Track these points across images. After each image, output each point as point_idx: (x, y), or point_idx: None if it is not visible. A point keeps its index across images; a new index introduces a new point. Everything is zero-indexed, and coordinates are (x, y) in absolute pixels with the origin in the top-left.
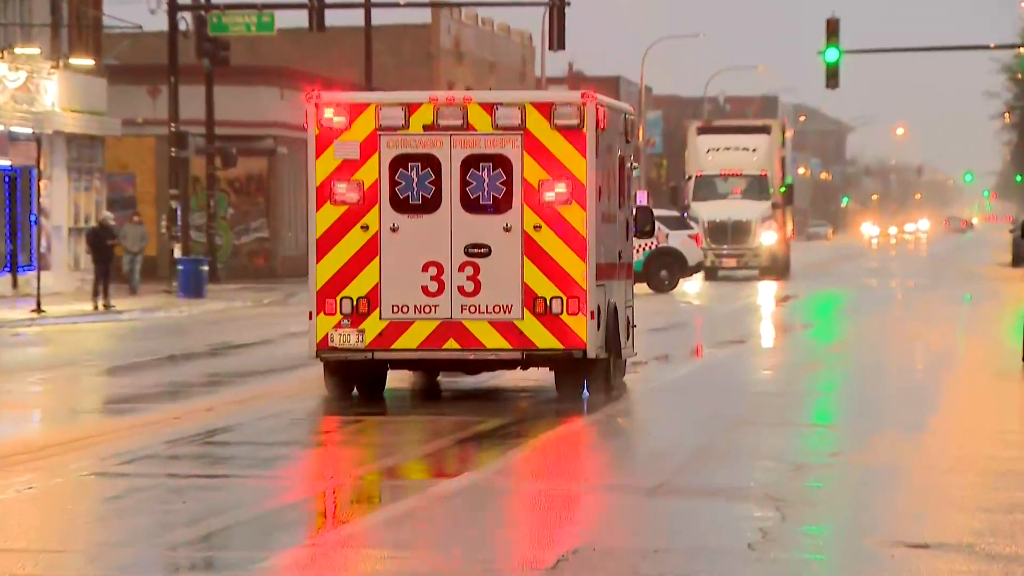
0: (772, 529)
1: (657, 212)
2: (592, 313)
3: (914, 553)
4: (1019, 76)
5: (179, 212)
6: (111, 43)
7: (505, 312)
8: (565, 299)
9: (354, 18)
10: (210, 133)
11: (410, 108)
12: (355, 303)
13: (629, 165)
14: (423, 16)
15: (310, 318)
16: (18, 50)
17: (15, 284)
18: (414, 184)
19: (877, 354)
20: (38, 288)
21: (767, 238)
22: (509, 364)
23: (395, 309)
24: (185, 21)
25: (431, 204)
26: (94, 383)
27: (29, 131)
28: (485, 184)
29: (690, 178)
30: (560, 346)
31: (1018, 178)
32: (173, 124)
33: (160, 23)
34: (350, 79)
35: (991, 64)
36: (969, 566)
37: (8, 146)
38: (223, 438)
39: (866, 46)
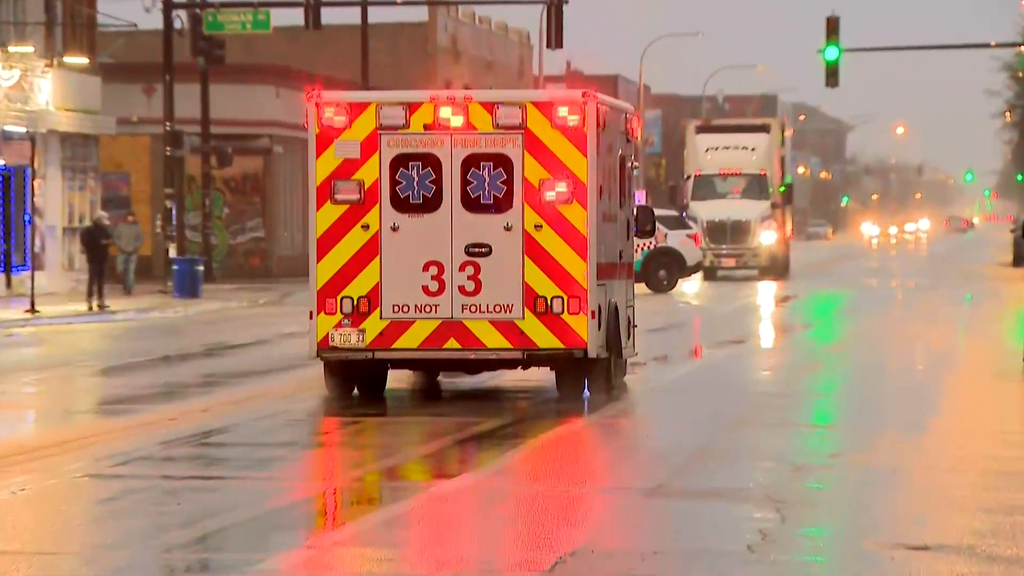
0: (772, 530)
1: (656, 212)
2: (593, 313)
3: (914, 555)
4: (1020, 74)
5: (174, 211)
6: (106, 41)
7: (506, 312)
8: (566, 298)
9: (350, 16)
10: (205, 132)
11: (411, 107)
12: (356, 303)
13: (630, 164)
14: (420, 14)
15: (310, 318)
16: (12, 48)
17: (9, 284)
18: (415, 183)
19: (877, 354)
20: (32, 288)
21: (766, 238)
22: (510, 364)
23: (396, 309)
24: (180, 19)
25: (432, 203)
26: (89, 384)
27: (23, 130)
28: (486, 183)
29: (689, 177)
30: (561, 346)
31: (1019, 177)
32: (168, 123)
33: (155, 21)
34: (346, 78)
35: (992, 62)
36: (970, 568)
37: (2, 145)
38: (219, 439)
39: (866, 44)
